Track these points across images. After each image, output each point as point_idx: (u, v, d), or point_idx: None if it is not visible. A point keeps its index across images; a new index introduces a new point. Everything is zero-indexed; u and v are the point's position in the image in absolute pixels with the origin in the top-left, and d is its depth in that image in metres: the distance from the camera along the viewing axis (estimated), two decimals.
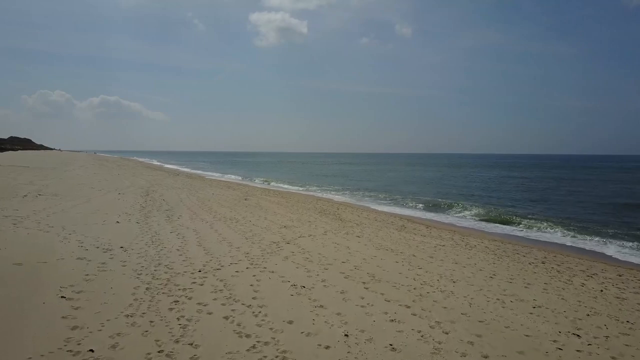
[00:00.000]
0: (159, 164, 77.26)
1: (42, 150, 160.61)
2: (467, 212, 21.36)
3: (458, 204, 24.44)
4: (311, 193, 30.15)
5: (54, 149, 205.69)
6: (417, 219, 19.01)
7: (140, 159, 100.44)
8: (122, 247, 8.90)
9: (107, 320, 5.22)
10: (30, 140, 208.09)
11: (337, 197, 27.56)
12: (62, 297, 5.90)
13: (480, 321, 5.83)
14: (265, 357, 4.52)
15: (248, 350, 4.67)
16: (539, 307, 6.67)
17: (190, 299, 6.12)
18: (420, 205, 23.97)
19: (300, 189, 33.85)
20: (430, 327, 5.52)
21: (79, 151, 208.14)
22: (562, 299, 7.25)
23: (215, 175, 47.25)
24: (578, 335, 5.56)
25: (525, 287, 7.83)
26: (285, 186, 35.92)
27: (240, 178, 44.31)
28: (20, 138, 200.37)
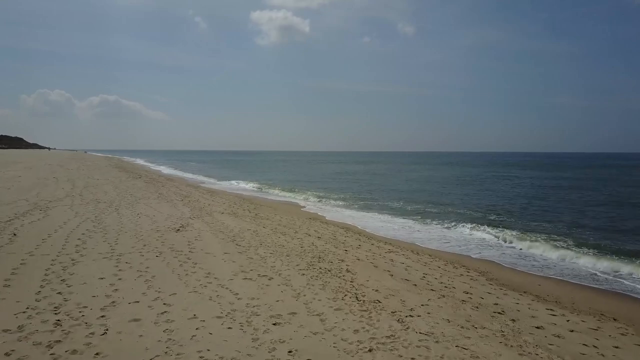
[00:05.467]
0: (143, 163, 68.82)
1: (29, 150, 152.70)
2: (559, 244, 12.53)
3: (526, 228, 15.56)
4: (305, 205, 21.28)
5: (45, 147, 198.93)
6: (493, 265, 10.19)
7: (126, 158, 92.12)
8: None
9: None
10: (22, 139, 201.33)
11: (351, 215, 18.71)
12: None
13: None
14: None
15: None
16: None
17: None
18: (469, 228, 15.14)
19: (294, 196, 25.05)
20: None
21: (74, 150, 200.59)
22: None
23: (188, 179, 38.55)
24: None
25: None
26: (274, 192, 27.12)
27: (216, 180, 35.52)
28: (11, 137, 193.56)
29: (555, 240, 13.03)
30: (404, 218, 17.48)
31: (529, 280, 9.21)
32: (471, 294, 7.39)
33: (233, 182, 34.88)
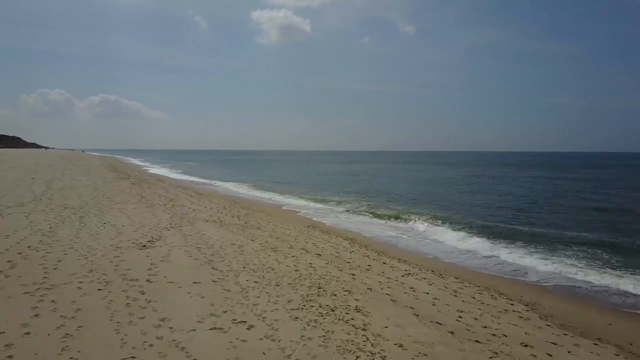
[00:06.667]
0: (138, 163, 66.82)
1: (26, 149, 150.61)
2: (609, 262, 10.44)
3: (561, 239, 13.46)
4: (303, 209, 19.16)
5: (43, 147, 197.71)
6: (537, 291, 8.09)
7: (122, 158, 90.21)
8: None
9: None
10: (20, 138, 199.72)
11: (355, 220, 16.64)
12: None
13: None
14: None
15: None
16: None
17: None
18: (492, 239, 13.06)
19: (291, 199, 22.92)
20: None
21: (71, 150, 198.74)
22: None
23: (181, 180, 36.49)
24: None
25: None
26: (270, 194, 25.00)
27: (210, 181, 33.36)
28: (8, 136, 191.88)
29: (600, 258, 10.91)
30: (413, 225, 15.37)
31: (591, 315, 7.10)
32: (532, 346, 5.27)
33: (228, 183, 32.76)
